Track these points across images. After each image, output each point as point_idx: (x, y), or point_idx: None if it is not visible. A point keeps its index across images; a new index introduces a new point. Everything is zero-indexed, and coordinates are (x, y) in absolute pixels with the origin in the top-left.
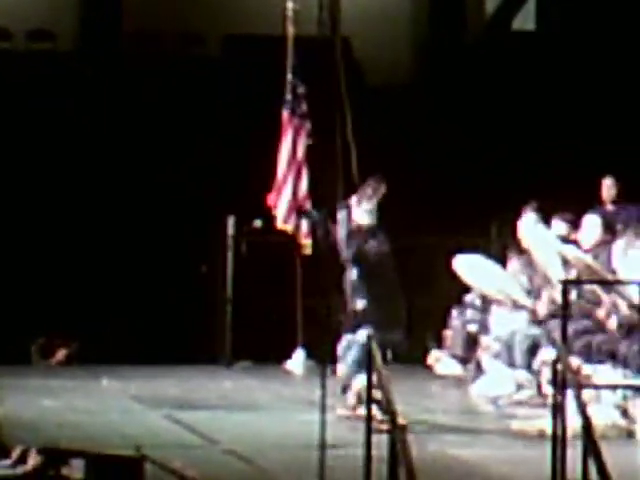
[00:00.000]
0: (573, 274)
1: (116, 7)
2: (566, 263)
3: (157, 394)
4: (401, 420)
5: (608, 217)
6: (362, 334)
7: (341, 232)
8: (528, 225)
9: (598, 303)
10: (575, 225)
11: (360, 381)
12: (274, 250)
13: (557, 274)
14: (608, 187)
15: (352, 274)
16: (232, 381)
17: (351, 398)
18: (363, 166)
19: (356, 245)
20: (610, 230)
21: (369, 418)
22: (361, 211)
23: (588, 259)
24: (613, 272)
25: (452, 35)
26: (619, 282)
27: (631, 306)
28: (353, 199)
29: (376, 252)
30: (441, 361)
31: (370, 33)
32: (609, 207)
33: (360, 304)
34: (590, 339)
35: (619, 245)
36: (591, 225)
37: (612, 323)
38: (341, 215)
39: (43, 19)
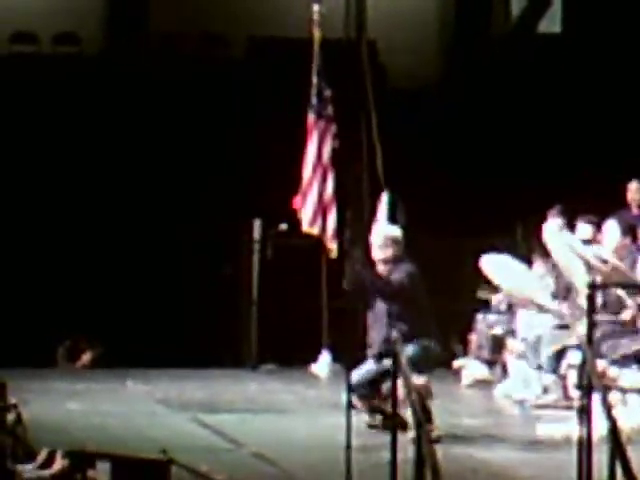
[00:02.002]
0: (598, 279)
1: (141, 10)
2: (591, 268)
3: (183, 397)
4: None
5: (630, 221)
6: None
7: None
8: (551, 231)
9: (623, 307)
10: (600, 227)
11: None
12: (300, 253)
13: (581, 280)
14: (633, 191)
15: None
16: (257, 384)
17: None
18: (388, 168)
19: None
20: (631, 233)
21: (394, 421)
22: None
23: (614, 261)
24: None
25: (477, 38)
26: None
27: None
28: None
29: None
30: (467, 364)
31: (395, 36)
32: (634, 211)
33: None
34: (616, 342)
35: None
36: (610, 230)
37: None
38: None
39: (69, 23)
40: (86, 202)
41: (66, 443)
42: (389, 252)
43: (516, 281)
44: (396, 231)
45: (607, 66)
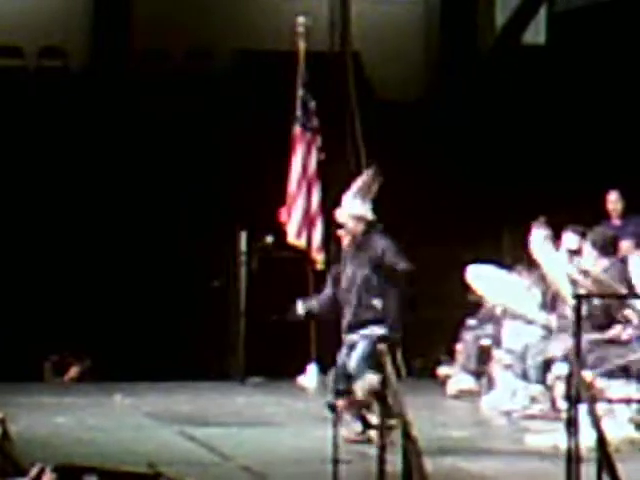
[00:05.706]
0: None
1: (126, 24)
2: (574, 283)
3: (170, 410)
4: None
5: (611, 234)
6: (374, 329)
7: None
8: (537, 242)
9: (610, 319)
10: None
11: (369, 380)
12: (286, 265)
13: (567, 290)
14: (613, 202)
15: (367, 273)
16: (245, 397)
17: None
18: None
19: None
20: (606, 249)
21: (382, 432)
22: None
23: (596, 273)
24: (628, 285)
25: (462, 49)
26: (632, 295)
27: None
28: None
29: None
30: (453, 375)
31: (380, 48)
32: (616, 221)
33: (377, 301)
34: (604, 353)
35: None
36: (586, 253)
37: (625, 335)
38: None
39: (54, 37)
40: (70, 216)
41: (54, 457)
42: (348, 228)
43: (502, 293)
44: (355, 208)
45: (592, 76)
